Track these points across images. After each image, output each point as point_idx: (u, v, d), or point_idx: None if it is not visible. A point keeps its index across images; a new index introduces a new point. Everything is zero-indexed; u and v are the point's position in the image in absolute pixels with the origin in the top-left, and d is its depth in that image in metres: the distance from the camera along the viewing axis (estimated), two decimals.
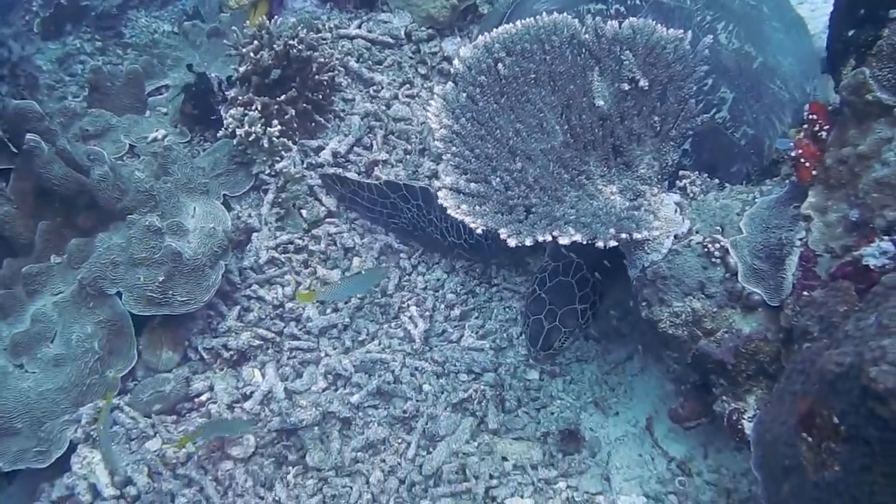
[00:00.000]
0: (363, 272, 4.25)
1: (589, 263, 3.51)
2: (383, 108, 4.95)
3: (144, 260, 3.91)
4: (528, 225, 2.71)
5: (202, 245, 4.05)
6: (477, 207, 2.74)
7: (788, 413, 2.24)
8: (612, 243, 2.69)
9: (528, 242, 2.65)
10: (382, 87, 5.06)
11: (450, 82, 3.02)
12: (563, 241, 2.65)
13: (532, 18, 3.10)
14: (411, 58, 5.25)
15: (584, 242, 2.69)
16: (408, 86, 5.11)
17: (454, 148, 2.87)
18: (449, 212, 2.72)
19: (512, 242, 2.65)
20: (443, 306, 4.32)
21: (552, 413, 3.85)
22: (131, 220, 3.97)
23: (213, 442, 3.76)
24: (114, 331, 3.97)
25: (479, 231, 2.71)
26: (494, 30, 3.09)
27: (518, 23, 3.10)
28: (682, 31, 3.10)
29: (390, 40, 5.27)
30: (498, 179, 2.83)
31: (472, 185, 2.80)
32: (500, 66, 3.02)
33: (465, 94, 3.00)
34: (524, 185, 2.85)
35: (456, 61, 3.04)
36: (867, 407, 1.81)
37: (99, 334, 3.94)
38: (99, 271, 3.95)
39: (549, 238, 2.65)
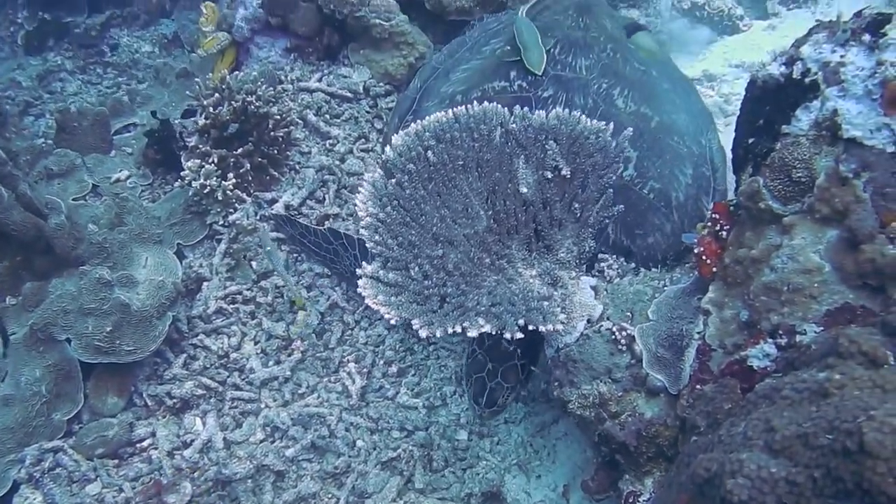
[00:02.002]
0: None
1: None
2: (337, 161, 5.11)
3: (94, 310, 4.06)
4: (441, 315, 2.88)
5: (150, 297, 4.21)
6: (393, 298, 2.90)
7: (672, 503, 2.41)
8: (519, 335, 2.86)
9: (439, 334, 2.81)
10: (338, 141, 5.22)
11: (378, 169, 3.19)
12: (472, 333, 2.81)
13: (463, 107, 3.26)
14: (368, 112, 5.41)
15: (493, 333, 2.85)
16: (363, 140, 5.28)
17: (377, 237, 3.03)
18: (367, 301, 2.88)
19: (423, 333, 2.81)
20: (381, 362, 4.48)
21: (477, 474, 4.02)
22: (83, 272, 4.13)
23: (152, 488, 3.91)
24: (62, 375, 4.12)
25: (392, 321, 2.86)
26: (424, 120, 3.26)
27: (449, 112, 3.26)
28: (604, 123, 3.28)
29: (349, 94, 5.43)
30: (417, 268, 2.99)
31: (391, 274, 2.96)
32: (429, 153, 3.19)
33: (393, 181, 3.17)
34: (443, 271, 3.01)
35: (387, 148, 3.20)
36: None
37: (47, 378, 4.09)
38: (50, 318, 4.10)
39: (459, 329, 2.82)
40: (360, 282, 2.94)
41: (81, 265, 4.24)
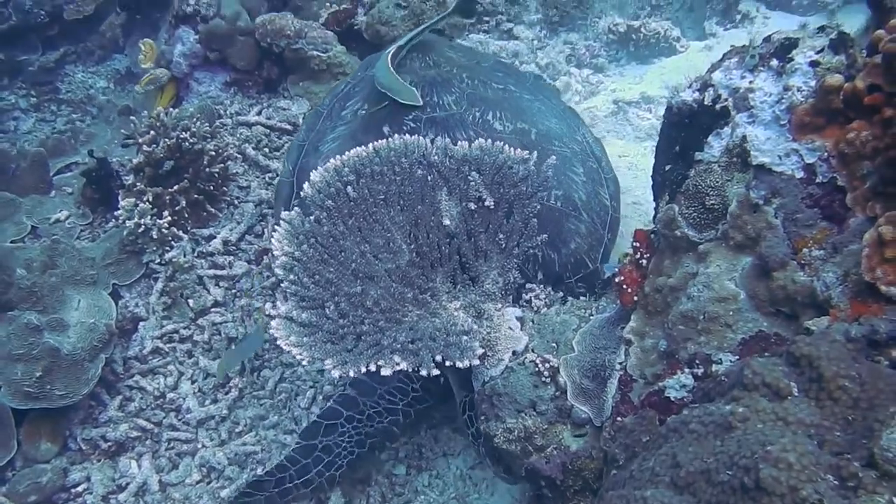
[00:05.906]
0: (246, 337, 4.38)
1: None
2: None
3: (23, 356, 3.99)
4: (355, 354, 2.83)
5: (82, 340, 4.14)
6: (305, 339, 2.85)
7: None
8: (435, 372, 2.82)
9: (352, 373, 2.77)
10: (277, 175, 5.17)
11: (295, 207, 3.15)
12: (386, 371, 2.77)
13: (384, 140, 3.24)
14: None
15: (410, 370, 2.81)
16: None
17: (292, 276, 2.99)
18: (279, 342, 2.83)
19: (336, 373, 2.77)
20: (321, 398, 4.41)
21: None
22: (11, 317, 4.06)
23: None
24: None
25: (305, 363, 2.82)
26: (344, 155, 3.22)
27: (370, 146, 3.22)
28: (527, 151, 3.26)
29: (288, 127, 5.41)
30: (333, 306, 2.94)
31: (304, 314, 2.91)
32: (349, 188, 3.15)
33: (311, 218, 3.12)
34: (361, 308, 2.97)
35: (306, 185, 3.16)
36: None
37: None
38: None
39: (374, 368, 2.78)
40: (273, 322, 2.89)
41: (11, 310, 4.16)
